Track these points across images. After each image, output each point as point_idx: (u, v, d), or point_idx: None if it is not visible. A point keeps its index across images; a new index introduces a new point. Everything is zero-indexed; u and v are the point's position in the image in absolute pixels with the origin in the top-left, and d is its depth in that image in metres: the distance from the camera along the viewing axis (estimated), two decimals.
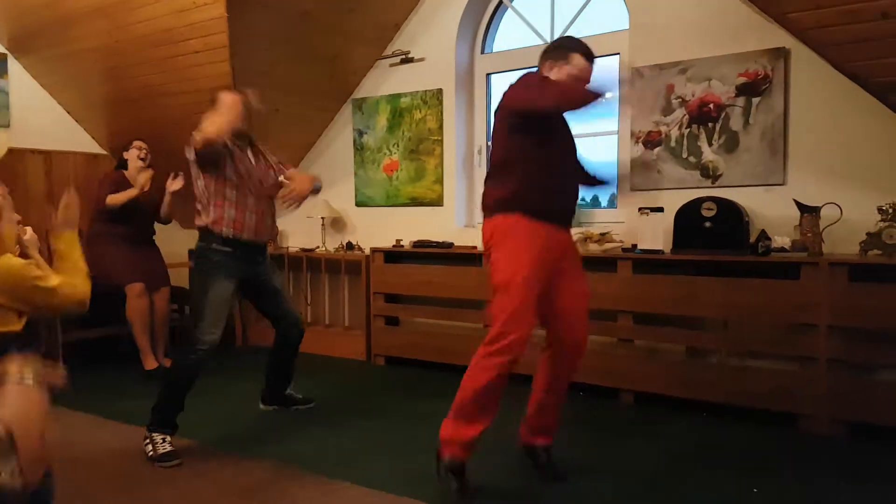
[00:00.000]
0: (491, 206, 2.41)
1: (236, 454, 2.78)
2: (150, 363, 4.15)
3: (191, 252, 3.04)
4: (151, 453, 2.69)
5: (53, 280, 1.81)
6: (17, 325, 1.76)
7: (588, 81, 2.41)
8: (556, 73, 2.41)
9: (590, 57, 2.45)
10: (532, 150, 2.34)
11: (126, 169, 4.32)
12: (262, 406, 3.39)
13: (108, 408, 3.39)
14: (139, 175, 4.25)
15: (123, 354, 4.19)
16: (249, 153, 3.03)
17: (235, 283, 2.93)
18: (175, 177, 4.22)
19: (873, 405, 2.91)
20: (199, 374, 2.82)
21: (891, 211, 3.01)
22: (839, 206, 3.16)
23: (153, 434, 2.74)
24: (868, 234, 3.06)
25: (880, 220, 3.03)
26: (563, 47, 2.46)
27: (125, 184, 4.24)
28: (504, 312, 2.27)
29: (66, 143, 5.14)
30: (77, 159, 5.16)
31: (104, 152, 5.35)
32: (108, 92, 4.85)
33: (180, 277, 5.28)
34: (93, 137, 5.34)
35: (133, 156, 4.31)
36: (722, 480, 2.48)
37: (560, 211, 2.44)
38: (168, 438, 2.75)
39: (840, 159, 3.27)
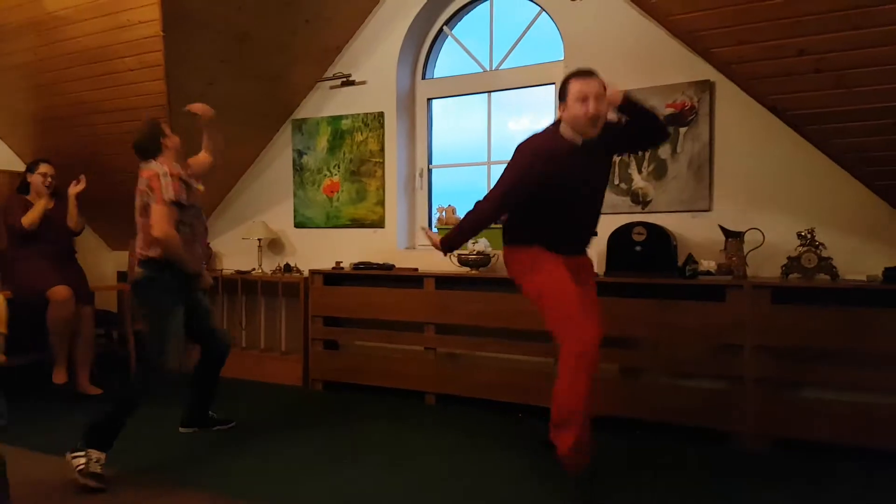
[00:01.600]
0: (509, 238, 2.78)
1: (169, 484, 2.67)
2: (60, 377, 3.97)
3: (135, 282, 3.00)
4: (82, 467, 2.60)
5: None
6: None
7: (595, 94, 2.47)
8: (567, 113, 2.54)
9: (581, 74, 2.55)
10: (544, 209, 2.65)
11: (27, 194, 4.16)
12: (182, 429, 3.35)
13: (32, 438, 3.20)
14: (69, 189, 4.15)
15: (51, 382, 3.99)
16: (193, 182, 3.10)
17: (184, 310, 3.00)
18: (77, 182, 4.17)
19: (796, 421, 3.04)
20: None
21: (809, 236, 3.18)
22: (762, 232, 3.32)
23: (89, 450, 2.66)
24: (789, 258, 3.22)
25: (800, 245, 3.20)
26: (562, 85, 2.60)
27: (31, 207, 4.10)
28: (568, 321, 2.50)
29: None
30: (1, 178, 4.93)
31: None
32: (37, 109, 4.68)
33: (109, 300, 5.09)
34: (17, 155, 5.13)
35: (37, 181, 4.16)
36: (655, 496, 2.53)
37: (571, 245, 2.76)
38: (103, 459, 2.67)
39: (762, 187, 3.44)
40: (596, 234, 2.84)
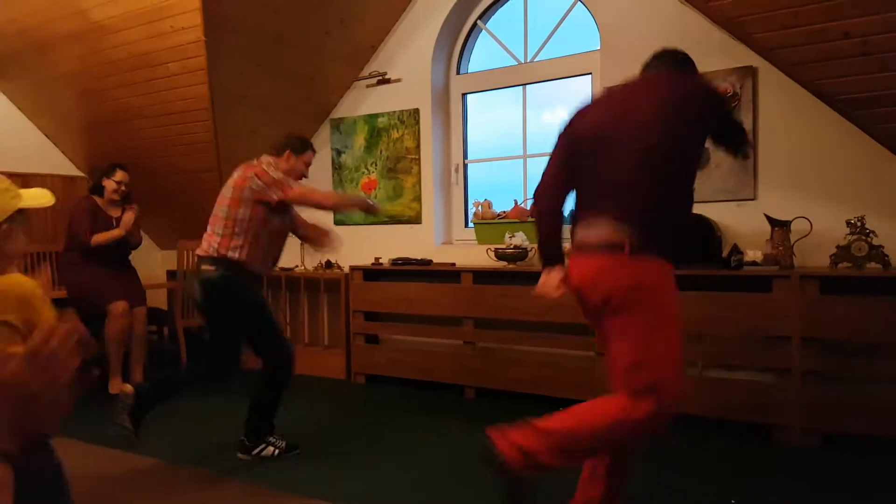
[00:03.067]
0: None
1: (211, 475, 2.75)
2: (116, 387, 4.11)
3: (207, 281, 2.89)
4: (275, 452, 2.93)
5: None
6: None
7: None
8: None
9: None
10: None
11: (101, 195, 4.28)
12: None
13: (78, 429, 3.34)
14: (124, 216, 4.22)
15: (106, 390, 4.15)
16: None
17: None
18: (130, 209, 4.27)
19: (846, 416, 2.95)
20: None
21: (859, 224, 3.07)
22: (809, 220, 3.22)
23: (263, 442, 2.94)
24: (838, 246, 3.11)
25: (849, 234, 3.09)
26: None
27: (100, 213, 4.22)
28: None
29: (43, 165, 5.14)
30: (55, 182, 5.14)
31: (82, 174, 5.35)
32: (86, 115, 4.86)
33: (158, 298, 5.27)
34: (70, 160, 5.34)
35: (111, 186, 4.26)
36: (699, 491, 2.49)
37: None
38: (278, 440, 2.97)
39: (809, 174, 3.33)
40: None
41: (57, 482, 1.33)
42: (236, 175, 2.90)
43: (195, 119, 4.35)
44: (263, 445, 2.91)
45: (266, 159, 2.94)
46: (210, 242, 2.87)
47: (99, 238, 4.10)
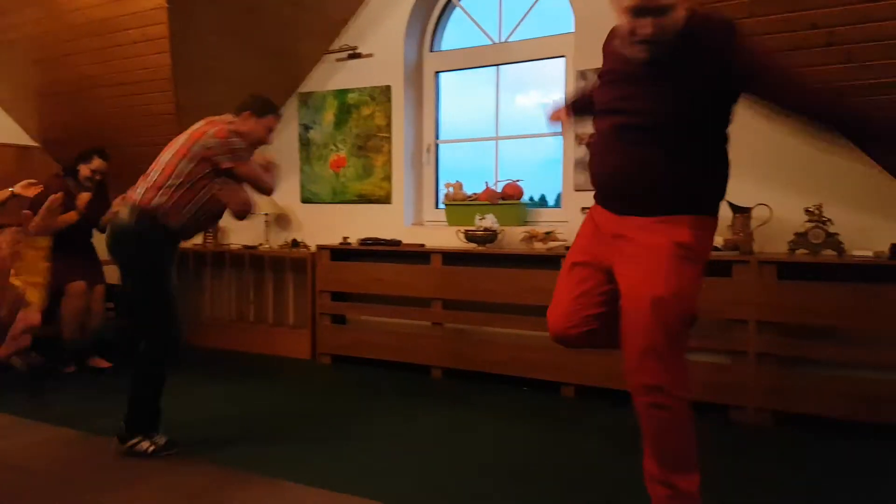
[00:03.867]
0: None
1: (179, 458, 2.70)
2: (70, 367, 4.04)
3: (122, 231, 2.67)
4: (153, 448, 2.68)
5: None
6: None
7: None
8: None
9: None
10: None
11: (75, 179, 4.13)
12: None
13: (38, 410, 3.25)
14: (78, 199, 4.05)
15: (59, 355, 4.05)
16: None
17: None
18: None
19: (798, 396, 3.07)
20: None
21: (817, 212, 3.18)
22: (769, 207, 3.30)
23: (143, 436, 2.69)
24: (796, 233, 3.21)
25: (807, 221, 3.19)
26: None
27: (68, 196, 4.06)
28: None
29: None
30: (7, 152, 4.95)
31: (35, 144, 5.15)
32: (41, 83, 4.66)
33: (117, 274, 5.12)
34: (23, 129, 5.13)
35: (84, 173, 4.11)
36: None
37: (605, 193, 2.05)
38: (160, 439, 2.71)
39: (771, 162, 3.42)
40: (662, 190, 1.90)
41: None
42: (196, 127, 2.72)
43: (155, 89, 4.22)
44: (139, 439, 2.68)
45: (228, 118, 2.77)
46: (140, 187, 2.68)
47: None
